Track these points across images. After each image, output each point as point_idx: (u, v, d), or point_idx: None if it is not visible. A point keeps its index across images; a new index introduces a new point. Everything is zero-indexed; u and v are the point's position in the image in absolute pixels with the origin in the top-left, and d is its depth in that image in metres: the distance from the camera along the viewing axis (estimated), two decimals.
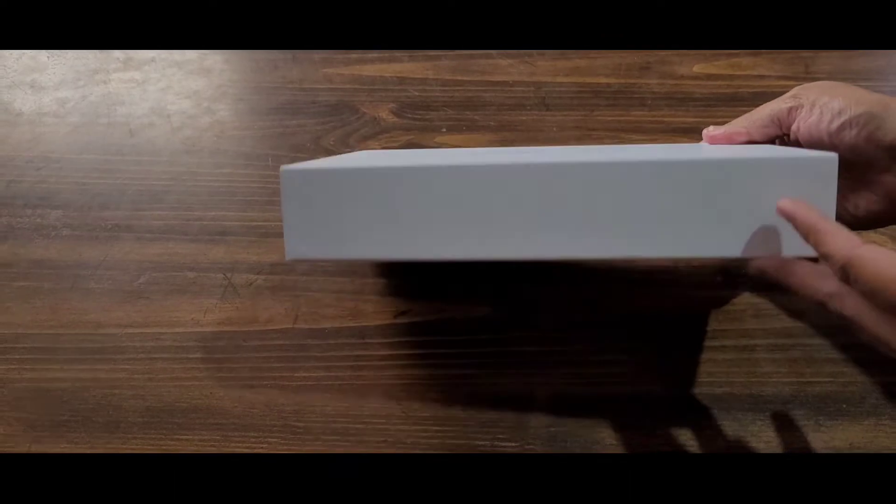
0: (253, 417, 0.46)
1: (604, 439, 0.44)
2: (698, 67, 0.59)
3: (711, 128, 0.45)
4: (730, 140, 0.44)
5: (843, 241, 0.32)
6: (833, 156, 0.35)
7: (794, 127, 0.41)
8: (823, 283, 0.34)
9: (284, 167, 0.39)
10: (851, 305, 0.33)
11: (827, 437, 0.44)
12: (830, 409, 0.45)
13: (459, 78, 0.61)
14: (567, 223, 0.37)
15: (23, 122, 0.61)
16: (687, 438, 0.44)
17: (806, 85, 0.42)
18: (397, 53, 0.62)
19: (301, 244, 0.39)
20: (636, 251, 0.37)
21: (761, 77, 0.58)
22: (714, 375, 0.46)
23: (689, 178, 0.36)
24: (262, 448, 0.45)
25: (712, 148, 0.43)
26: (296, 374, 0.48)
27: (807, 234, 0.34)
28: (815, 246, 0.33)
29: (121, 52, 0.64)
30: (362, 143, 0.54)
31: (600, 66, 0.60)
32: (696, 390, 0.46)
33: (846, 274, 0.32)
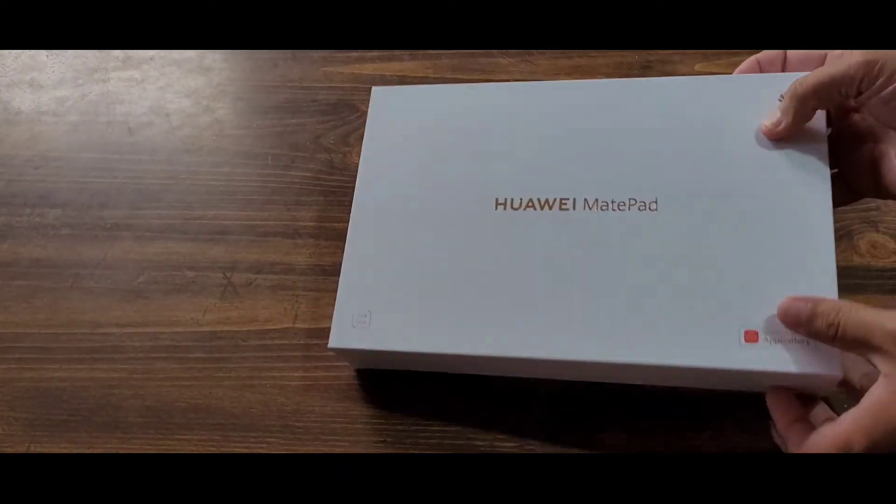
0: (252, 417, 0.46)
1: (604, 439, 0.44)
2: (699, 66, 0.59)
3: (769, 124, 0.40)
4: (776, 136, 0.40)
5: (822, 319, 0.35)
6: (835, 378, 0.37)
7: (862, 97, 0.36)
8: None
9: (331, 344, 0.43)
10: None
11: None
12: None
13: (460, 77, 0.61)
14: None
15: (22, 121, 0.61)
16: (687, 439, 0.44)
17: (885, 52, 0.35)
18: (397, 52, 0.62)
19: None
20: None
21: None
22: None
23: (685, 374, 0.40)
24: (261, 448, 0.45)
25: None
26: (295, 374, 0.48)
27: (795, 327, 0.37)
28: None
29: (120, 51, 0.64)
30: (362, 142, 0.54)
31: (601, 65, 0.60)
32: (697, 391, 0.46)
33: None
